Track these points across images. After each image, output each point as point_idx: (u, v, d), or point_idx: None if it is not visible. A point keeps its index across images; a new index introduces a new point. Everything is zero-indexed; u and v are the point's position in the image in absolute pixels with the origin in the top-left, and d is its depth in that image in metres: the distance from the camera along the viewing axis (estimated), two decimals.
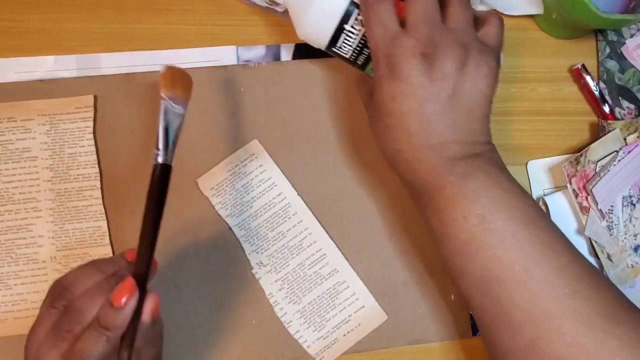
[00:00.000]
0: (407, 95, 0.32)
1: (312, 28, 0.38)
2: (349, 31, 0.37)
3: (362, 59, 0.38)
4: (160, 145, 0.34)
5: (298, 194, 0.43)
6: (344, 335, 0.43)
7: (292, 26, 0.45)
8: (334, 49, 0.38)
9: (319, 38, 0.38)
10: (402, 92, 0.32)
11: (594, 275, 0.32)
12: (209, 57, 0.45)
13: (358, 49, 0.38)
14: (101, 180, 0.43)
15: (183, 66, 0.44)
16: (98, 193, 0.42)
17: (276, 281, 0.43)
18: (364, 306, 0.43)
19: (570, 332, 0.30)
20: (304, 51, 0.45)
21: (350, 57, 0.39)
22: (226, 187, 0.43)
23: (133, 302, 0.29)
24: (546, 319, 0.30)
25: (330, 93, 0.45)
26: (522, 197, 0.33)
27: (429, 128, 0.33)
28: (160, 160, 0.33)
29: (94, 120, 0.43)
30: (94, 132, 0.43)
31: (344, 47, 0.38)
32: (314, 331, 0.43)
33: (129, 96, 0.43)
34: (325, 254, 0.43)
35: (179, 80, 0.36)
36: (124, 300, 0.29)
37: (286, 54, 0.45)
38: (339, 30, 0.37)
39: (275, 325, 0.43)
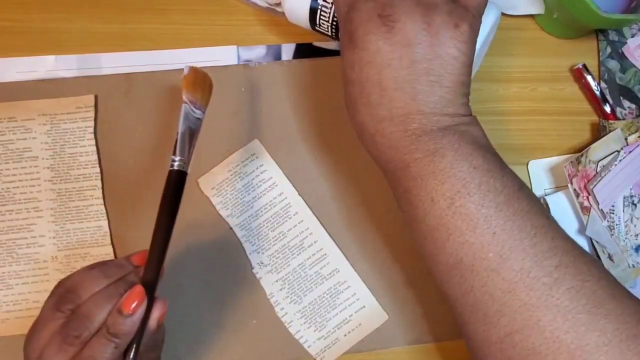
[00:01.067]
0: (365, 62, 0.29)
1: (293, 8, 0.38)
2: (323, 6, 0.37)
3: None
4: (178, 151, 0.33)
5: (299, 194, 0.44)
6: (345, 335, 0.43)
7: (293, 26, 0.45)
8: (316, 28, 0.39)
9: (301, 18, 0.38)
10: (361, 60, 0.29)
11: (580, 263, 0.29)
12: (210, 57, 0.45)
13: (335, 23, 0.37)
14: (102, 180, 0.43)
15: (183, 66, 0.44)
16: (99, 193, 0.43)
17: (277, 281, 0.43)
18: (364, 306, 0.43)
19: (550, 327, 0.27)
20: (304, 51, 0.45)
21: (332, 34, 0.38)
22: (227, 187, 0.43)
23: (142, 310, 0.29)
24: (523, 311, 0.27)
25: (331, 92, 0.45)
26: (499, 175, 0.29)
27: (390, 97, 0.29)
28: (176, 166, 0.33)
29: (95, 120, 0.43)
30: (95, 132, 0.43)
31: (323, 23, 0.38)
32: (314, 331, 0.43)
33: (130, 96, 0.44)
34: (326, 254, 0.43)
35: (201, 83, 0.36)
36: (133, 306, 0.29)
37: (287, 53, 0.45)
38: (314, 7, 0.37)
39: (276, 325, 0.43)
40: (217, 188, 0.43)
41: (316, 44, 0.46)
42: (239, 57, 0.45)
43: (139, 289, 0.30)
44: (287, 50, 0.45)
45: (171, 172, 0.33)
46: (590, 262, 0.29)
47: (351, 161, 0.44)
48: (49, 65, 0.44)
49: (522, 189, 0.30)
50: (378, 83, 0.29)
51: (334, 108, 0.45)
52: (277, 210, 0.43)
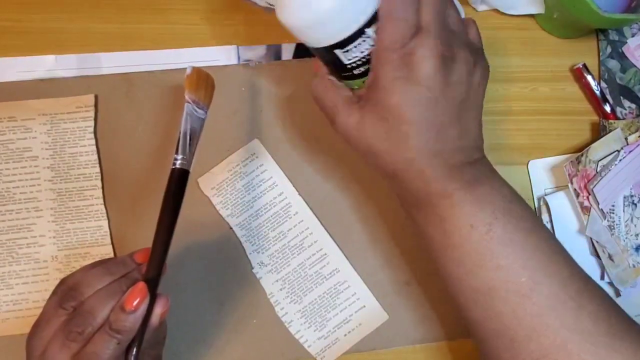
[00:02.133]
0: (427, 99, 0.30)
1: (317, 17, 0.29)
2: (368, 36, 0.30)
3: (362, 69, 0.31)
4: (180, 150, 0.34)
5: (299, 194, 0.44)
6: (345, 335, 0.43)
7: None
8: (335, 51, 0.31)
9: (323, 33, 0.30)
10: (421, 96, 0.29)
11: (592, 288, 0.31)
12: (210, 57, 0.45)
13: (365, 57, 0.31)
14: (102, 180, 0.43)
15: (183, 66, 0.44)
16: (99, 193, 0.43)
17: (277, 281, 0.43)
18: (364, 306, 0.43)
19: (577, 350, 0.28)
20: (304, 51, 0.45)
21: (351, 65, 0.31)
22: (227, 186, 0.43)
23: (144, 306, 0.30)
24: (552, 335, 0.29)
25: None
26: (522, 203, 0.32)
27: (444, 134, 0.30)
28: (178, 164, 0.33)
29: (95, 119, 0.43)
30: (95, 132, 0.43)
31: (353, 51, 0.31)
32: (314, 331, 0.43)
33: (130, 96, 0.44)
34: (326, 254, 0.43)
35: (204, 83, 0.36)
36: (135, 303, 0.29)
37: (287, 53, 0.45)
38: (359, 32, 0.30)
39: (276, 325, 0.43)
40: (217, 188, 0.43)
41: None
42: (239, 57, 0.45)
43: (141, 285, 0.30)
44: (287, 50, 0.45)
45: (173, 171, 0.33)
46: (596, 284, 0.31)
47: (352, 161, 0.44)
48: (48, 65, 0.44)
49: (534, 214, 0.33)
50: (435, 120, 0.30)
51: None
52: (277, 210, 0.43)
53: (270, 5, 0.44)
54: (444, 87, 0.30)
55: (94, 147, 0.43)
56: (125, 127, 0.43)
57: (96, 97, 0.43)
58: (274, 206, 0.43)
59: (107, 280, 0.31)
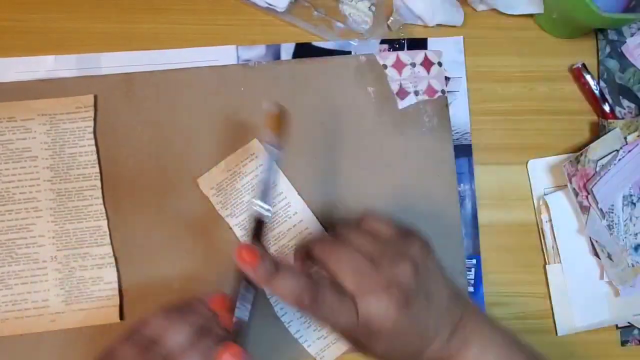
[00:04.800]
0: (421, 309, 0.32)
1: None
2: None
3: None
4: (260, 196, 0.33)
5: (298, 194, 0.44)
6: None
7: (292, 26, 0.45)
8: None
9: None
10: (418, 310, 0.31)
11: None
12: (209, 57, 0.45)
13: None
14: (101, 180, 0.43)
15: (183, 66, 0.44)
16: (98, 193, 0.42)
17: None
18: None
19: None
20: (304, 50, 0.45)
21: None
22: (226, 186, 0.43)
23: None
24: None
25: (329, 92, 0.45)
26: (517, 346, 0.34)
27: (422, 336, 0.32)
28: (260, 212, 0.33)
29: (95, 120, 0.43)
30: (95, 132, 0.43)
31: None
32: (314, 330, 0.43)
33: (129, 96, 0.43)
34: None
35: (283, 119, 0.34)
36: None
37: (286, 53, 0.45)
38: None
39: (276, 325, 0.43)
40: (216, 188, 0.43)
41: (315, 43, 0.46)
42: (238, 57, 0.45)
43: (236, 350, 0.30)
44: (287, 50, 0.45)
45: (256, 219, 0.33)
46: None
47: (350, 161, 0.44)
48: (48, 65, 0.44)
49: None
50: (431, 325, 0.32)
51: (333, 108, 0.45)
52: (277, 210, 0.43)
53: (270, 5, 0.44)
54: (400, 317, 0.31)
55: (94, 148, 0.43)
56: (124, 127, 0.43)
57: (95, 97, 0.43)
58: (273, 206, 0.43)
59: (188, 331, 0.30)
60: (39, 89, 0.43)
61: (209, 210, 0.43)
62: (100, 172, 0.43)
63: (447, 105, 0.45)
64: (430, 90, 0.45)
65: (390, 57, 0.45)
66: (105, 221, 0.42)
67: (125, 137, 0.43)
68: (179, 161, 0.43)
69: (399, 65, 0.45)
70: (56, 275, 0.42)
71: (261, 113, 0.44)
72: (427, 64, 0.45)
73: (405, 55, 0.45)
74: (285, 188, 0.43)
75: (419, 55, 0.46)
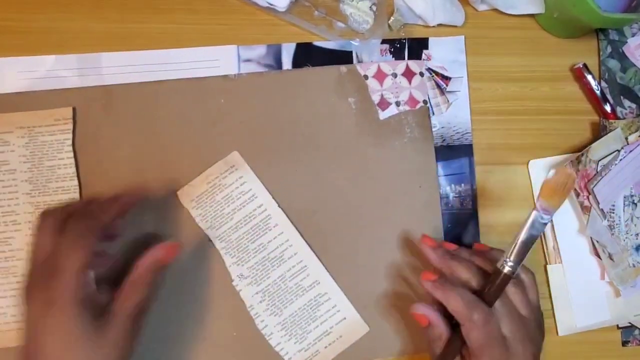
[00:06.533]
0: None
1: None
2: None
3: None
4: (514, 256, 0.34)
5: (279, 206, 0.43)
6: (325, 347, 0.42)
7: (293, 26, 0.45)
8: None
9: None
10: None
11: None
12: (210, 57, 0.44)
13: None
14: (80, 193, 0.42)
15: (183, 65, 0.44)
16: None
17: (257, 293, 0.42)
18: (345, 318, 0.43)
19: None
20: (304, 50, 0.45)
21: None
22: (206, 199, 0.43)
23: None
24: None
25: (310, 103, 0.44)
26: None
27: None
28: (506, 270, 0.34)
29: (73, 132, 0.42)
30: (73, 145, 0.42)
31: None
32: (295, 343, 0.42)
33: (108, 108, 0.43)
34: (306, 266, 0.43)
35: (562, 188, 0.33)
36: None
37: (287, 53, 0.45)
38: None
39: (257, 338, 0.42)
40: (196, 200, 0.43)
41: (316, 43, 0.46)
42: (239, 57, 0.45)
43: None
44: (288, 50, 0.45)
45: (502, 274, 0.35)
46: None
47: (332, 173, 0.44)
48: (49, 65, 0.44)
49: None
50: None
51: (314, 119, 0.44)
52: (257, 222, 0.43)
53: (271, 4, 0.44)
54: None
55: (72, 160, 0.42)
56: (104, 139, 0.43)
57: (74, 109, 0.43)
58: (253, 218, 0.43)
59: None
60: (16, 102, 0.42)
61: (189, 223, 0.43)
62: (80, 185, 0.42)
63: (429, 116, 0.45)
64: (412, 101, 0.45)
65: (371, 68, 0.45)
66: None
67: (104, 149, 0.43)
68: (158, 173, 0.43)
69: (380, 76, 0.45)
70: None
71: (240, 124, 0.44)
72: (408, 74, 0.45)
73: (386, 66, 0.45)
74: (264, 200, 0.43)
75: (400, 66, 0.45)
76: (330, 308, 0.43)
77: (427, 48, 0.46)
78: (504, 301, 0.35)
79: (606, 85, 0.47)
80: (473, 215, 0.45)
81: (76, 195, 0.42)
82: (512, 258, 0.34)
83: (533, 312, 0.36)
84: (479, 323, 0.34)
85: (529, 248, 0.34)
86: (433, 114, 0.45)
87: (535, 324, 0.36)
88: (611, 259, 0.44)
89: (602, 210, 0.43)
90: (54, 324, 0.31)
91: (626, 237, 0.44)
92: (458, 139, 0.45)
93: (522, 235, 0.34)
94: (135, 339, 0.34)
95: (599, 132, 0.46)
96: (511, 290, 0.36)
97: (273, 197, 0.43)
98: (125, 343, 0.33)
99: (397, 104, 0.45)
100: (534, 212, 0.34)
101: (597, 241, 0.44)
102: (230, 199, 0.43)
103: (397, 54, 0.46)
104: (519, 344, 0.34)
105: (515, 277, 0.36)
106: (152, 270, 0.35)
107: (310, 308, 0.43)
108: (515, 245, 0.34)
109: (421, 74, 0.46)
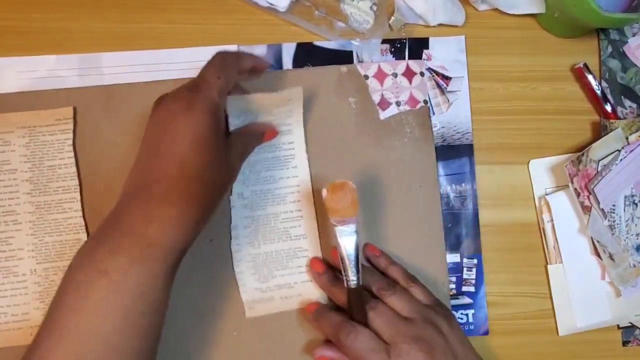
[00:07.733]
0: None
1: None
2: None
3: None
4: (348, 272, 0.36)
5: (306, 152, 0.43)
6: (281, 298, 0.42)
7: (294, 26, 0.45)
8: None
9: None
10: None
11: None
12: (210, 57, 0.44)
13: None
14: (81, 193, 0.42)
15: (183, 65, 0.44)
16: (78, 205, 0.42)
17: (246, 217, 0.42)
18: (311, 281, 0.43)
19: None
20: (305, 50, 0.45)
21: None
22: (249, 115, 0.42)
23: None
24: None
25: (310, 103, 0.44)
26: None
27: None
28: (352, 284, 0.37)
29: (74, 132, 0.42)
30: (74, 144, 0.42)
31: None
32: (255, 280, 0.42)
33: (109, 108, 0.43)
34: (302, 217, 0.43)
35: (343, 197, 0.36)
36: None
37: (288, 53, 0.45)
38: None
39: (257, 338, 0.42)
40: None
41: (317, 43, 0.46)
42: None
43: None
44: (288, 50, 0.45)
45: (352, 290, 0.37)
46: None
47: (332, 172, 0.44)
48: (49, 65, 0.44)
49: None
50: None
51: (314, 118, 0.44)
52: (280, 154, 0.43)
53: (272, 4, 0.44)
54: None
55: (73, 160, 0.42)
56: (104, 139, 0.43)
57: (75, 109, 0.43)
58: (278, 149, 0.43)
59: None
60: (17, 102, 0.42)
61: None
62: (80, 185, 0.42)
63: (429, 116, 0.45)
64: (413, 101, 0.45)
65: (371, 68, 0.45)
66: (85, 234, 0.42)
67: (105, 149, 0.43)
68: None
69: (380, 76, 0.45)
70: (36, 288, 0.41)
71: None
72: (409, 74, 0.45)
73: (386, 66, 0.45)
74: (297, 139, 0.44)
75: (400, 65, 0.45)
76: (303, 265, 0.43)
77: (427, 48, 0.46)
78: (377, 312, 0.37)
79: (607, 85, 0.47)
80: (473, 215, 0.45)
81: (76, 195, 0.42)
82: (348, 275, 0.36)
83: (421, 312, 0.37)
84: (347, 342, 0.36)
85: (357, 256, 0.36)
86: (433, 113, 0.45)
87: (425, 321, 0.37)
88: (612, 259, 0.44)
89: (602, 210, 0.43)
90: (191, 125, 0.32)
91: (627, 237, 0.44)
92: (458, 138, 0.45)
93: (342, 251, 0.36)
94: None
95: (599, 132, 0.46)
96: (390, 299, 0.38)
97: (306, 142, 0.43)
98: (237, 170, 0.37)
99: (398, 103, 0.45)
100: (334, 228, 0.36)
101: (598, 241, 0.44)
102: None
103: (398, 54, 0.46)
104: (402, 345, 0.35)
105: (389, 288, 0.38)
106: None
107: (287, 256, 0.43)
108: (343, 263, 0.36)
109: (422, 74, 0.45)
